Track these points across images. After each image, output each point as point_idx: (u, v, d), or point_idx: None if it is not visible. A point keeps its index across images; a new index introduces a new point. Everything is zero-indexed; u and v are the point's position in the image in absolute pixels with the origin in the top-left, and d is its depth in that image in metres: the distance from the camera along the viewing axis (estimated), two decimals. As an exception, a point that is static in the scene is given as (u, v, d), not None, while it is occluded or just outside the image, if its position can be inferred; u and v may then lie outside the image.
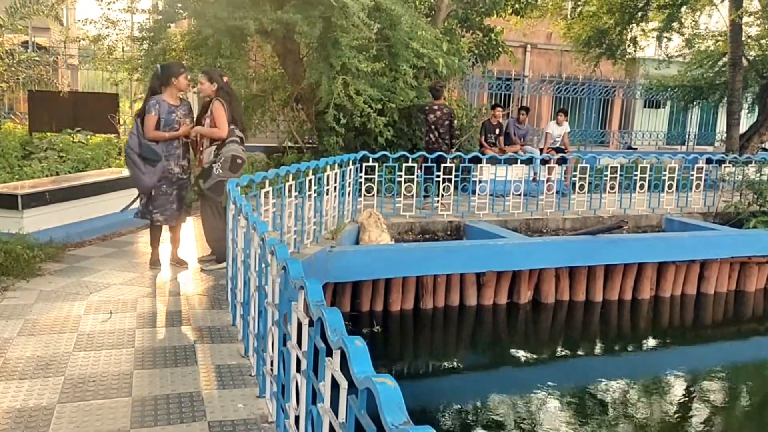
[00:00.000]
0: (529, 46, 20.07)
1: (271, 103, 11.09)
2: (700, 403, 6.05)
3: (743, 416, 5.89)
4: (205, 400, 3.02)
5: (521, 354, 7.03)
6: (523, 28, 16.28)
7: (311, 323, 2.06)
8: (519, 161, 9.22)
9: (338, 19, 8.08)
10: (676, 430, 5.48)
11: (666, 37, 15.81)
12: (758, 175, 10.25)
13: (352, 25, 8.18)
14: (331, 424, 1.85)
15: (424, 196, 8.49)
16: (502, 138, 10.68)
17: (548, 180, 9.84)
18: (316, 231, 6.28)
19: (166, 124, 5.08)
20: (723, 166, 11.30)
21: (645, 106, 20.98)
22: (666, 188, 9.76)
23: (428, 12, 11.65)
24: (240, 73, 8.83)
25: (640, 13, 15.13)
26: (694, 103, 17.87)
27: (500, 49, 13.13)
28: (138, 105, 7.65)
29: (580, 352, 7.25)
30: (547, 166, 9.86)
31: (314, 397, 2.04)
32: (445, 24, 11.68)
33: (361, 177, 8.01)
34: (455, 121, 9.59)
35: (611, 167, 9.84)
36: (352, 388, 1.57)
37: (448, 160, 8.39)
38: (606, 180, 9.50)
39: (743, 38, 14.49)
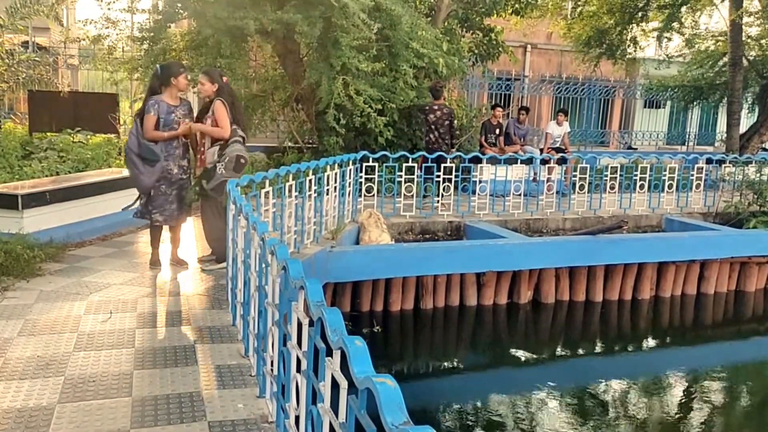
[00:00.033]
0: (529, 46, 20.07)
1: (271, 103, 11.09)
2: (700, 403, 6.05)
3: (743, 416, 5.89)
4: (205, 400, 3.02)
5: (521, 354, 7.02)
6: (523, 28, 16.27)
7: (311, 323, 2.06)
8: (519, 161, 9.23)
9: (338, 19, 8.08)
10: (676, 430, 5.48)
11: (666, 37, 15.80)
12: (758, 175, 10.25)
13: (353, 25, 8.18)
14: (331, 424, 1.85)
15: (424, 196, 8.49)
16: (502, 138, 10.69)
17: (548, 180, 9.84)
18: (316, 231, 6.28)
19: (165, 124, 5.08)
20: (723, 166, 11.30)
21: (645, 106, 20.98)
22: (666, 188, 9.76)
23: (428, 12, 11.65)
24: (240, 73, 8.83)
25: (640, 13, 15.13)
26: (695, 103, 17.87)
27: (500, 49, 13.12)
28: (138, 105, 7.64)
29: (580, 352, 7.25)
30: (547, 166, 9.86)
31: (314, 397, 2.04)
32: (445, 24, 11.68)
33: (361, 177, 8.01)
34: (455, 121, 9.59)
35: (611, 167, 9.85)
36: (352, 388, 1.57)
37: (448, 160, 8.39)
38: (606, 180, 9.50)
39: (743, 38, 14.49)
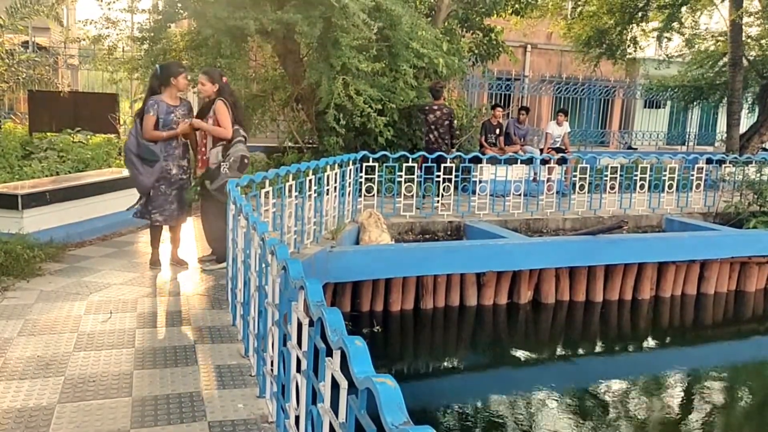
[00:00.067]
0: (529, 46, 20.08)
1: (271, 103, 11.09)
2: (700, 403, 6.05)
3: (743, 416, 5.88)
4: (205, 400, 3.02)
5: (521, 354, 7.02)
6: (523, 28, 16.27)
7: (311, 323, 2.06)
8: (519, 161, 9.23)
9: (338, 19, 8.08)
10: (676, 430, 5.48)
11: (666, 37, 15.80)
12: (758, 175, 10.24)
13: (353, 25, 8.18)
14: (331, 424, 1.85)
15: (423, 196, 8.49)
16: (502, 138, 10.69)
17: (548, 180, 9.84)
18: (316, 231, 6.28)
19: (164, 124, 5.07)
20: (723, 166, 11.30)
21: (645, 107, 20.98)
22: (666, 188, 9.76)
23: (428, 12, 11.65)
24: (240, 73, 8.83)
25: (640, 13, 15.13)
26: (695, 103, 17.86)
27: (500, 49, 13.12)
28: (138, 105, 7.65)
29: (580, 352, 7.25)
30: (547, 166, 9.86)
31: (314, 397, 2.04)
32: (445, 24, 11.68)
33: (361, 177, 8.01)
34: (455, 121, 9.59)
35: (611, 167, 9.85)
36: (352, 388, 1.57)
37: (448, 160, 8.39)
38: (606, 180, 9.50)
39: (743, 38, 14.49)
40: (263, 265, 3.00)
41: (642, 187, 9.59)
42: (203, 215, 5.43)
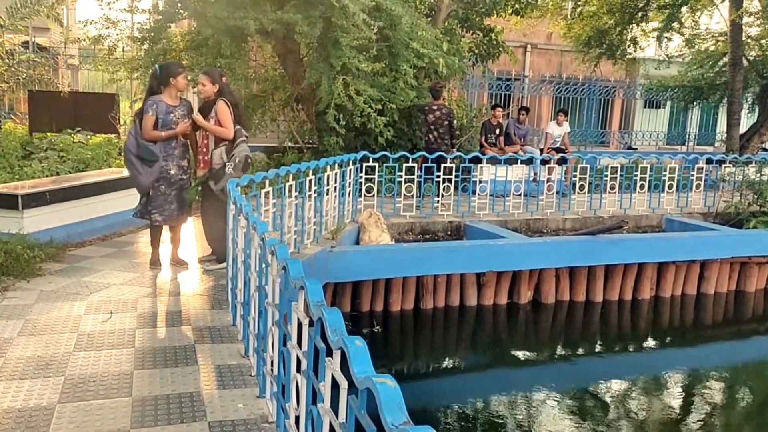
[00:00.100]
0: (529, 46, 20.08)
1: (271, 103, 11.09)
2: (700, 403, 6.05)
3: (743, 416, 5.88)
4: (205, 400, 3.02)
5: (521, 354, 7.03)
6: (523, 28, 16.28)
7: (311, 323, 2.06)
8: (519, 161, 9.23)
9: (338, 19, 8.08)
10: (676, 430, 5.48)
11: (666, 37, 15.81)
12: (758, 175, 10.24)
13: (353, 25, 8.18)
14: (331, 424, 1.85)
15: (423, 196, 8.49)
16: (502, 138, 10.69)
17: (548, 180, 9.84)
18: (317, 231, 6.28)
19: (164, 124, 5.07)
20: (723, 166, 11.30)
21: (645, 107, 20.98)
22: (666, 188, 9.76)
23: (428, 12, 11.65)
24: (240, 73, 8.83)
25: (640, 13, 15.13)
26: (695, 103, 17.87)
27: (500, 49, 13.13)
28: (138, 105, 7.66)
29: (580, 352, 7.24)
30: (547, 166, 9.86)
31: (314, 397, 2.04)
32: (445, 24, 11.69)
33: (361, 177, 8.01)
34: (455, 121, 9.59)
35: (611, 167, 9.85)
36: (352, 388, 1.57)
37: (448, 160, 8.39)
38: (606, 180, 9.50)
39: (743, 38, 14.49)
40: (263, 265, 3.00)
41: (642, 187, 9.59)
42: (203, 215, 5.43)
